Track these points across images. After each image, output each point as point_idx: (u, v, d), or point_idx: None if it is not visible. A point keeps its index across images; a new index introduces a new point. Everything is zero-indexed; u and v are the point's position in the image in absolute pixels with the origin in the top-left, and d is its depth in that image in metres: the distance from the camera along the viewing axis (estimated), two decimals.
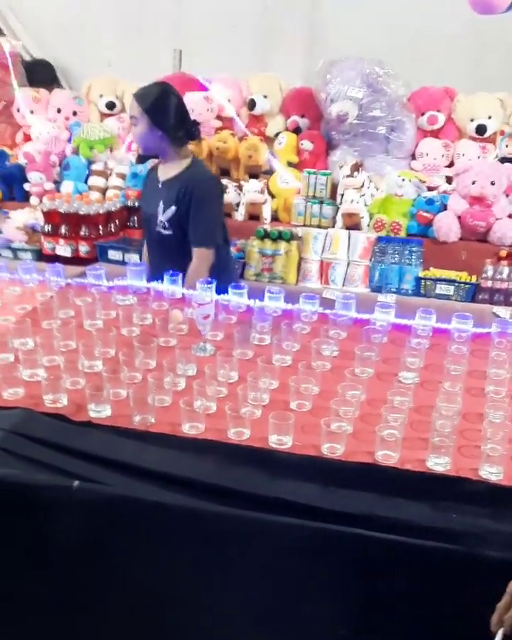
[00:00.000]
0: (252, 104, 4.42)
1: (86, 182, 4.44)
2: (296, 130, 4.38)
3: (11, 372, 1.86)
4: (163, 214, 2.74)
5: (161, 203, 2.75)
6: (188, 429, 1.71)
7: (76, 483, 1.49)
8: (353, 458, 1.64)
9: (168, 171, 2.81)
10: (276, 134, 4.41)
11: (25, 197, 4.44)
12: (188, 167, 2.79)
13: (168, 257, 2.76)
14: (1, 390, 1.82)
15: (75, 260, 3.77)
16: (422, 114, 4.15)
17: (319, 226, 3.76)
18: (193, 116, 4.37)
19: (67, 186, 4.30)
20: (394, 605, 1.48)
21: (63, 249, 3.87)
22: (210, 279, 2.24)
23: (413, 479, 1.59)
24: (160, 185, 2.82)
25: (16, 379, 1.84)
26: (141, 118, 2.70)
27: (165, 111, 2.72)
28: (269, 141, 4.42)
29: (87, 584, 1.58)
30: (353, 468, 1.61)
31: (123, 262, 3.66)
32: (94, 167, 4.44)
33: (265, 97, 4.43)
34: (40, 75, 5.18)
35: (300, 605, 1.51)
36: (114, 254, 3.77)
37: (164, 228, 2.77)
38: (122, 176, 4.36)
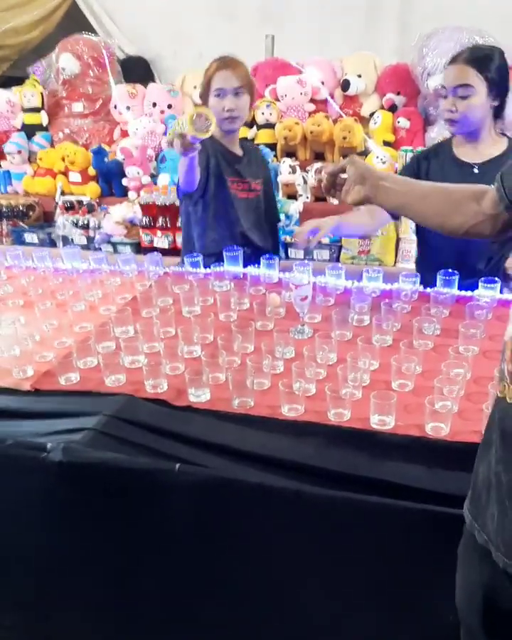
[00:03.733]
0: (346, 85, 4.36)
1: None
2: (392, 108, 4.28)
3: (113, 359, 1.88)
4: None
5: None
6: (288, 411, 1.69)
7: (178, 465, 1.49)
8: (459, 438, 1.57)
9: (479, 151, 2.43)
10: (372, 114, 4.33)
11: (124, 192, 4.53)
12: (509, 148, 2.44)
13: None
14: (104, 376, 1.84)
15: (173, 251, 3.82)
16: None
17: None
18: (285, 101, 4.38)
19: (164, 179, 4.36)
20: None
21: (161, 241, 3.93)
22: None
23: None
24: (475, 170, 2.42)
25: (118, 366, 1.87)
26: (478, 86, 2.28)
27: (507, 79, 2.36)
28: (365, 121, 4.34)
29: (192, 566, 1.58)
30: (459, 448, 1.54)
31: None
32: None
33: (359, 76, 4.36)
34: (135, 71, 5.26)
35: (406, 588, 1.47)
36: None
37: None
38: None
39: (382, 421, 1.63)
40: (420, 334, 1.99)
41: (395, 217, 2.49)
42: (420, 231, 2.61)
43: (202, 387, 1.76)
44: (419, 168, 2.53)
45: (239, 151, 2.76)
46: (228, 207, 2.69)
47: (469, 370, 1.80)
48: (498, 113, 2.41)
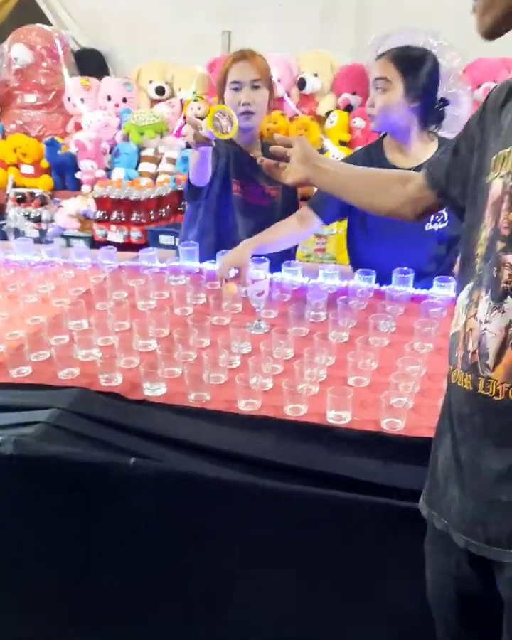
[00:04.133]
0: (302, 83, 4.37)
1: (137, 168, 4.45)
2: (348, 108, 4.31)
3: (67, 352, 1.85)
4: None
5: None
6: (244, 406, 1.68)
7: (133, 459, 1.47)
8: (414, 433, 1.59)
9: (409, 155, 2.38)
10: (328, 113, 4.35)
11: (78, 185, 4.48)
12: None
13: None
14: (57, 369, 1.81)
15: (127, 246, 3.79)
16: (478, 87, 4.03)
17: None
18: None
19: (118, 173, 4.32)
20: None
21: (115, 236, 3.89)
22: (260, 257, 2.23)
23: None
24: None
25: (71, 359, 1.84)
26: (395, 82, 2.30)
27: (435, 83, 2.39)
28: (321, 120, 4.36)
29: (149, 560, 1.56)
30: (414, 442, 1.55)
31: (174, 247, 3.66)
32: (144, 153, 4.45)
33: (316, 75, 4.38)
34: (90, 63, 5.20)
35: (364, 580, 1.48)
36: (165, 239, 3.78)
37: None
38: (173, 161, 4.37)
39: (338, 416, 1.63)
40: (376, 331, 2.00)
41: (327, 221, 2.40)
42: (360, 242, 2.52)
43: (157, 381, 1.74)
44: None
45: (258, 153, 2.57)
46: (229, 212, 2.55)
47: (424, 366, 1.82)
48: (426, 117, 2.37)
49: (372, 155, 2.46)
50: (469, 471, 1.11)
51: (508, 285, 1.01)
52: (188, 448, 1.57)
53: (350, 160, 2.49)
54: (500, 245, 1.03)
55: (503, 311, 1.02)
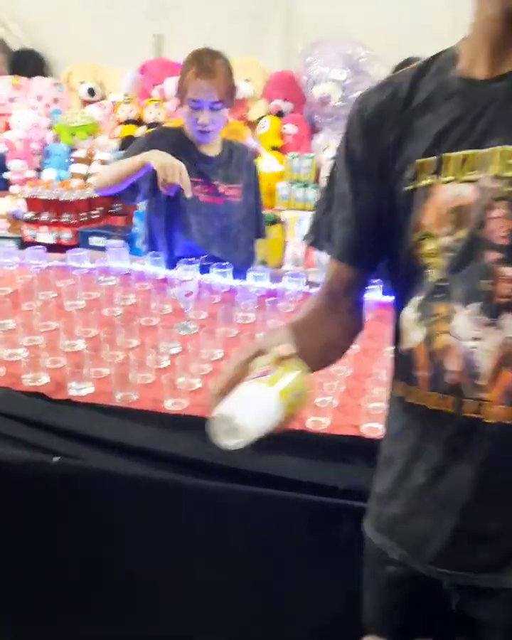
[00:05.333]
0: None
1: (68, 169, 4.41)
2: (279, 114, 4.36)
3: None
4: None
5: None
6: (171, 405, 1.68)
7: (55, 458, 1.46)
8: (338, 431, 1.62)
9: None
10: (259, 119, 4.38)
11: (6, 185, 4.40)
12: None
13: None
14: None
15: (57, 248, 3.74)
16: None
17: (304, 209, 3.74)
18: (174, 102, 4.36)
19: (49, 174, 4.27)
20: None
21: (45, 237, 3.85)
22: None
23: None
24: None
25: None
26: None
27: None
28: (252, 125, 4.39)
29: (68, 560, 1.55)
30: (338, 440, 1.58)
31: (104, 248, 3.62)
32: (75, 154, 4.41)
33: (247, 81, 4.40)
34: (29, 64, 5.08)
35: (291, 577, 1.49)
36: (96, 241, 3.75)
37: None
38: (104, 162, 4.33)
39: None
40: None
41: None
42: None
43: (83, 380, 1.73)
44: None
45: (213, 151, 2.53)
46: (179, 211, 2.47)
47: (350, 367, 1.85)
48: None
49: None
50: (450, 498, 1.02)
51: (506, 299, 0.93)
52: (113, 447, 1.57)
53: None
54: (491, 256, 0.93)
55: (500, 328, 0.93)
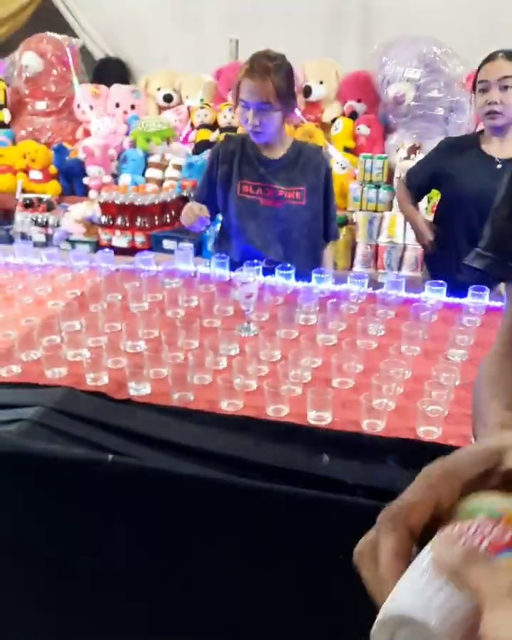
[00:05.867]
0: (307, 91, 4.40)
1: (143, 174, 4.49)
2: (353, 115, 4.33)
3: (55, 352, 1.87)
4: None
5: None
6: (227, 406, 1.69)
7: (111, 457, 1.49)
8: (394, 434, 1.59)
9: (504, 147, 2.60)
10: (333, 120, 4.37)
11: (85, 191, 4.52)
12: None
13: None
14: (45, 368, 1.83)
15: (131, 251, 3.82)
16: None
17: (375, 211, 3.70)
18: None
19: (125, 179, 4.37)
20: None
21: (119, 240, 3.93)
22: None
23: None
24: (499, 165, 2.56)
25: (59, 359, 1.86)
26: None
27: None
28: (326, 127, 4.38)
29: (122, 558, 1.57)
30: (393, 443, 1.56)
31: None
32: (151, 159, 4.50)
33: (321, 83, 4.40)
34: (113, 72, 5.20)
35: (346, 580, 1.48)
36: (168, 244, 3.81)
37: None
38: (179, 167, 4.40)
39: (319, 416, 1.64)
40: (365, 334, 2.01)
41: None
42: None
43: (143, 380, 1.76)
44: (443, 157, 2.66)
45: (276, 154, 2.53)
46: (236, 214, 2.53)
47: (409, 369, 1.83)
48: None
49: (464, 143, 2.68)
50: None
51: None
52: (168, 447, 1.58)
53: (437, 150, 2.73)
54: None
55: None
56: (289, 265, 2.38)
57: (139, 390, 1.75)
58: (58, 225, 4.16)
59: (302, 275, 2.38)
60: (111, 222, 3.93)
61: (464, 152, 2.63)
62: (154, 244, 3.85)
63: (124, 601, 1.62)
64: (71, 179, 4.50)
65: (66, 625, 1.69)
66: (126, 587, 1.60)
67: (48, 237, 4.17)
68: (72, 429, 1.63)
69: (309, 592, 1.52)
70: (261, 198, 2.52)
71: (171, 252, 3.71)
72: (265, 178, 2.52)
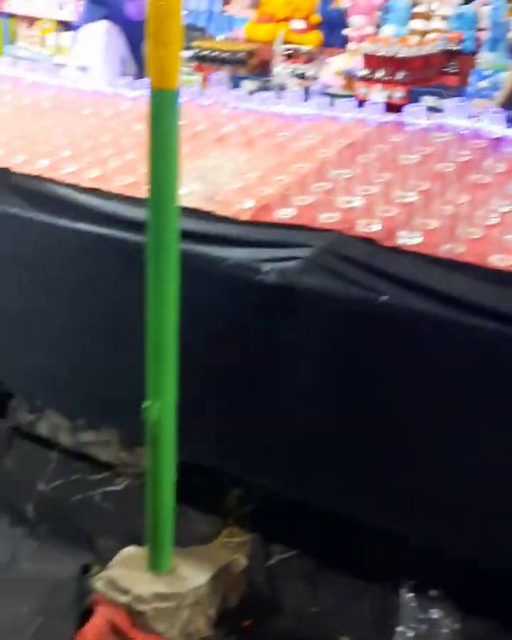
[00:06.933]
0: None
1: (407, 25, 4.31)
2: None
3: (328, 197, 1.95)
4: None
5: None
6: (498, 260, 1.69)
7: (383, 297, 1.57)
8: None
9: None
10: None
11: (343, 43, 4.43)
12: None
13: None
14: (318, 213, 1.92)
15: (389, 107, 3.74)
16: None
17: None
18: None
19: (388, 30, 4.21)
20: None
21: (377, 95, 3.85)
22: None
23: None
24: None
25: (332, 204, 1.93)
26: None
27: None
28: None
29: (380, 398, 1.68)
30: None
31: (436, 109, 3.56)
32: (416, 9, 4.28)
33: None
34: None
35: None
36: (427, 101, 3.68)
37: None
38: (446, 19, 4.16)
39: None
40: None
41: None
42: None
43: (413, 230, 1.79)
44: None
45: None
46: None
47: None
48: None
49: None
50: None
51: None
52: (435, 296, 1.63)
53: None
54: None
55: None
56: None
57: (410, 238, 1.79)
58: (316, 78, 4.15)
59: None
60: (370, 76, 3.86)
61: None
62: (413, 100, 3.74)
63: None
64: (331, 29, 4.42)
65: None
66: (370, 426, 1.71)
67: (306, 89, 4.16)
68: (343, 270, 1.72)
69: None
70: None
71: (430, 109, 3.61)
72: None
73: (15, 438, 2.57)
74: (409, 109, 2.51)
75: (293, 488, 1.85)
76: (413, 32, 4.19)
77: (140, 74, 3.87)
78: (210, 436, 1.93)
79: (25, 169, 2.34)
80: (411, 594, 1.85)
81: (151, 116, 1.36)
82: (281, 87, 4.18)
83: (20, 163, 2.39)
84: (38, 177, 2.27)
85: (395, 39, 3.96)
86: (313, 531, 1.94)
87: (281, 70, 4.26)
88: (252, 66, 4.52)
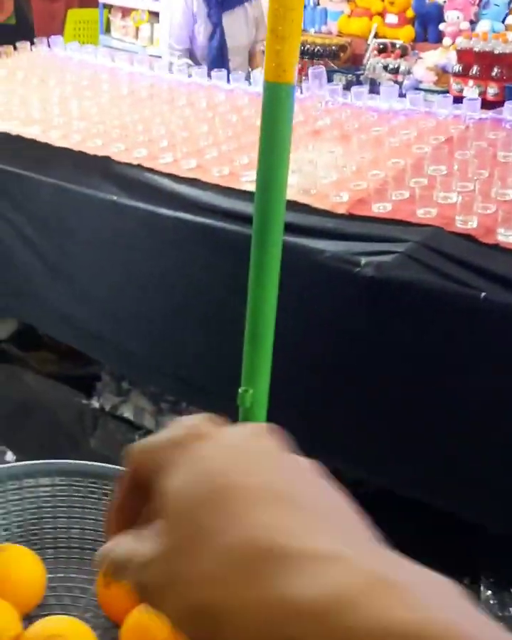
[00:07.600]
0: None
1: (503, 21, 4.23)
2: None
3: (425, 193, 1.95)
4: None
5: None
6: None
7: (484, 294, 1.56)
8: None
9: None
10: None
11: (438, 38, 4.38)
12: None
13: None
14: (416, 208, 1.92)
15: (483, 103, 3.69)
16: None
17: None
18: None
19: (484, 25, 4.14)
20: None
21: (471, 91, 3.81)
22: None
23: None
24: None
25: (430, 200, 1.93)
26: None
27: None
28: None
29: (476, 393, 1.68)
30: None
31: None
32: None
33: None
34: None
35: None
36: None
37: None
38: None
39: None
40: None
41: None
42: None
43: None
44: None
45: None
46: None
47: None
48: None
49: None
50: None
51: None
52: None
53: None
54: None
55: None
56: None
57: (509, 236, 1.78)
58: (409, 73, 4.12)
59: None
60: (464, 71, 3.81)
61: None
62: (507, 97, 3.68)
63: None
64: (426, 24, 4.37)
65: None
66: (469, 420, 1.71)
67: (398, 84, 4.15)
68: (441, 266, 1.72)
69: None
70: None
71: None
72: None
73: (100, 419, 2.65)
74: (508, 106, 2.48)
75: (376, 475, 1.87)
76: (509, 28, 4.11)
77: (212, 34, 3.97)
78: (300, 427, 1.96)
79: (124, 158, 2.40)
80: (490, 592, 1.84)
81: (265, 109, 1.38)
82: (373, 82, 4.18)
83: (119, 152, 2.46)
84: (138, 166, 2.33)
85: (491, 35, 3.89)
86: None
87: (373, 64, 4.25)
88: (343, 60, 4.51)
